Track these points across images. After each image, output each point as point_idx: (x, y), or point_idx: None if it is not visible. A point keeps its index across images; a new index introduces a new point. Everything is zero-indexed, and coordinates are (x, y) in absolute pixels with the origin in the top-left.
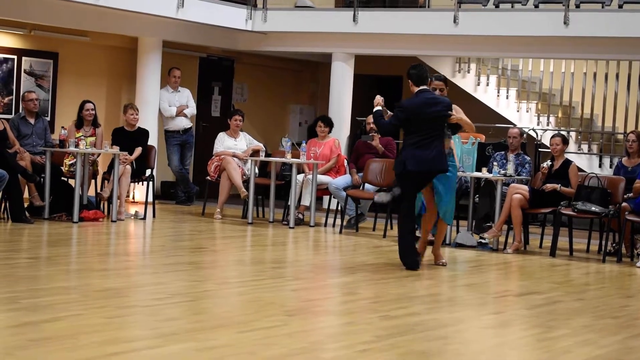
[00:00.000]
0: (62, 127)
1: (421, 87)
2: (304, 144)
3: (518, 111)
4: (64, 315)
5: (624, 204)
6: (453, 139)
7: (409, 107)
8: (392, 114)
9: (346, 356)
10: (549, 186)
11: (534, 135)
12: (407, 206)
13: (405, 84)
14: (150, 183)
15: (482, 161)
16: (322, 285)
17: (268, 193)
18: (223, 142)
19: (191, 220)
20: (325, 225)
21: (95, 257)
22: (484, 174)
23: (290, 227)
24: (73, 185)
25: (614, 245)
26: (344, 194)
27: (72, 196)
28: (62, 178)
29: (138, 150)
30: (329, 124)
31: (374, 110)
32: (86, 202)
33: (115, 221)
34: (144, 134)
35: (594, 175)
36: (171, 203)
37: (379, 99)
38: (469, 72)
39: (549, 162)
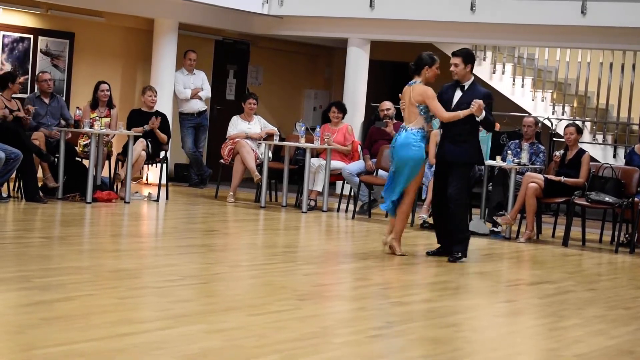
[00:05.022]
0: (77, 107)
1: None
2: (318, 129)
3: (533, 100)
4: (76, 295)
5: (637, 198)
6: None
7: None
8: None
9: (357, 341)
10: (552, 177)
11: (549, 124)
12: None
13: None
14: (164, 165)
15: (496, 150)
16: (334, 270)
17: (281, 177)
18: (237, 126)
19: (204, 203)
20: (338, 210)
21: (107, 238)
22: (497, 162)
23: (303, 212)
24: (87, 166)
25: (627, 236)
26: (357, 179)
27: (86, 177)
28: (76, 158)
29: (164, 137)
30: (343, 110)
31: (483, 116)
32: (100, 183)
33: (128, 202)
34: (163, 118)
35: (608, 165)
36: (184, 185)
37: (481, 103)
38: (484, 60)
39: (561, 151)
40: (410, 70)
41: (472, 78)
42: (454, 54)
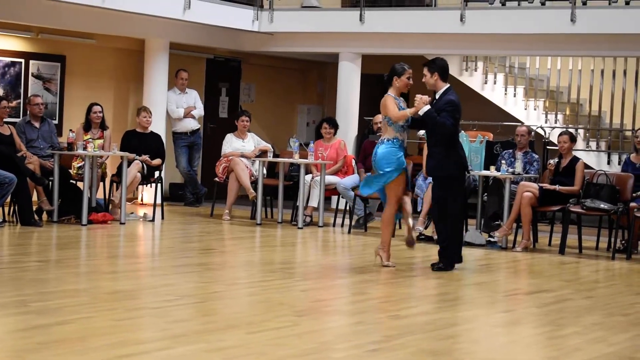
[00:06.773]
0: (70, 130)
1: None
2: (311, 145)
3: (526, 109)
4: (74, 318)
5: (632, 203)
6: (461, 137)
7: (459, 106)
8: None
9: (356, 356)
10: (547, 186)
11: (542, 133)
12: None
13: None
14: (159, 185)
15: (490, 160)
16: (331, 285)
17: (276, 194)
18: (231, 144)
19: (200, 221)
20: (334, 225)
21: (104, 260)
22: (492, 172)
23: (299, 228)
24: (82, 188)
25: (623, 242)
26: (352, 193)
27: (81, 199)
28: (71, 181)
29: (158, 161)
30: (334, 126)
31: (426, 110)
32: (95, 205)
33: (124, 223)
34: (158, 139)
35: (603, 172)
36: (180, 205)
37: (426, 98)
38: (476, 70)
39: (555, 160)
40: (384, 82)
41: (446, 87)
42: (423, 64)
